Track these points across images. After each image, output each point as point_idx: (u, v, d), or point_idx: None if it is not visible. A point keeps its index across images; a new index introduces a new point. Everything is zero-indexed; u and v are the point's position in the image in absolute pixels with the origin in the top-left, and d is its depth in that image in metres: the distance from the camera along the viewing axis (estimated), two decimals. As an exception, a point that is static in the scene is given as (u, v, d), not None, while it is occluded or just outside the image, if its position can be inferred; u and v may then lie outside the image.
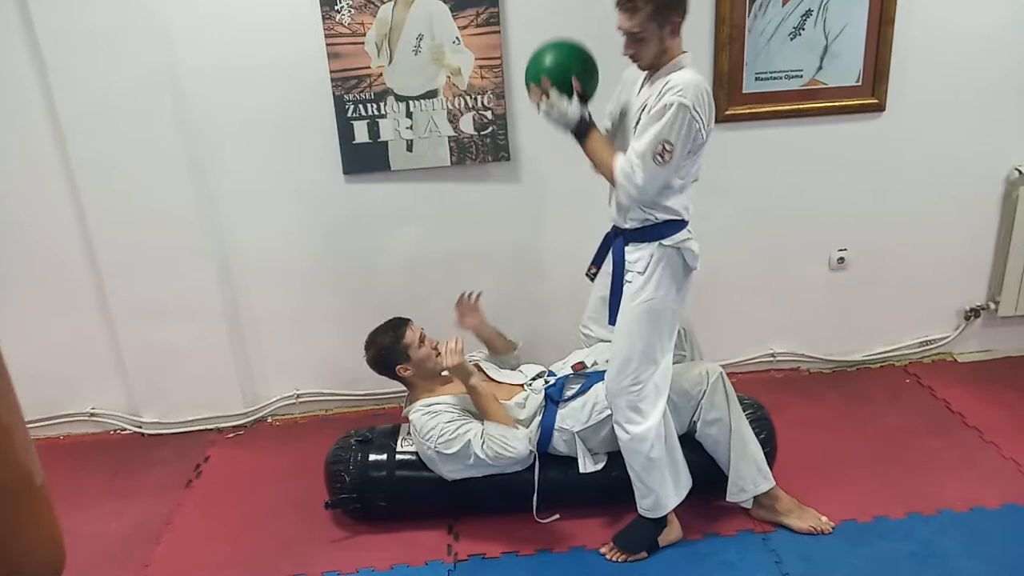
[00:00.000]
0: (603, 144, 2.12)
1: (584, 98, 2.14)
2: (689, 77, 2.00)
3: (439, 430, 2.35)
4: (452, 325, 2.73)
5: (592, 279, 2.38)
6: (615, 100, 2.31)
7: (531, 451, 2.35)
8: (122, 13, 2.63)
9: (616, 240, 2.26)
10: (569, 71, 2.11)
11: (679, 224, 2.17)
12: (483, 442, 2.31)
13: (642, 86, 2.15)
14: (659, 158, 2.00)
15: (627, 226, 2.21)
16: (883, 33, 2.86)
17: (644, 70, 2.13)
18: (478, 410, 2.40)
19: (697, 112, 1.98)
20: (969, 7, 2.88)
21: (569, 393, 2.48)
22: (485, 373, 2.62)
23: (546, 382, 2.55)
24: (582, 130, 2.12)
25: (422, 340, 2.52)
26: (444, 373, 2.55)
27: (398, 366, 2.51)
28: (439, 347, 2.48)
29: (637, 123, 2.09)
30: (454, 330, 2.65)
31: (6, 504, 0.72)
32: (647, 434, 2.21)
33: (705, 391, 2.32)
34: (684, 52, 2.09)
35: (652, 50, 2.05)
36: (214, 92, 2.80)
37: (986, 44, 2.93)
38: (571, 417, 2.43)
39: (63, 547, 0.79)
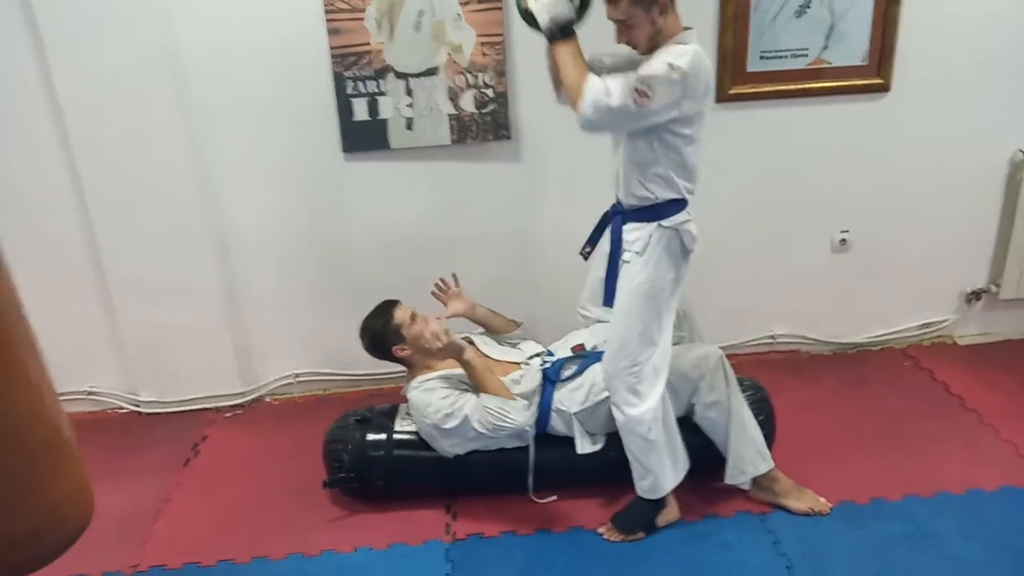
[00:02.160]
0: (579, 57, 2.03)
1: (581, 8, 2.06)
2: (690, 47, 1.98)
3: (435, 406, 2.36)
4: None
5: (586, 258, 2.37)
6: (614, 54, 2.23)
7: (530, 423, 2.34)
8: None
9: (614, 219, 2.24)
10: None
11: (679, 204, 2.15)
12: (479, 415, 2.30)
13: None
14: (636, 96, 1.93)
15: (628, 202, 2.19)
16: (890, 12, 2.82)
17: (644, 55, 2.10)
18: (474, 384, 2.40)
19: (689, 80, 1.94)
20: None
21: (567, 373, 2.47)
22: (480, 351, 2.62)
23: (544, 362, 2.54)
24: (566, 32, 2.01)
25: (413, 318, 2.51)
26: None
27: (394, 347, 2.50)
28: (424, 327, 2.45)
29: None
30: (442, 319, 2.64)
31: (40, 456, 0.75)
32: (644, 416, 2.21)
33: (705, 374, 2.31)
34: (687, 29, 2.06)
35: (644, 34, 2.02)
36: (212, 70, 2.77)
37: (993, 26, 2.90)
38: (569, 398, 2.42)
39: (92, 495, 0.82)
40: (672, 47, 2.00)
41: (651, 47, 2.05)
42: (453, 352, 2.37)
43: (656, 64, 1.95)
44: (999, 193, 3.15)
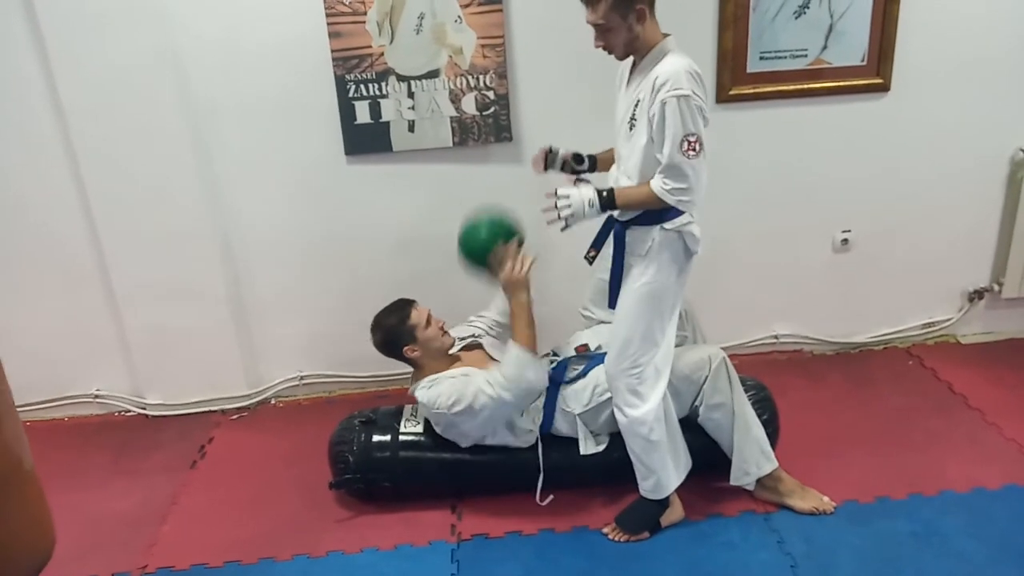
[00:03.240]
0: (632, 191, 2.12)
1: (577, 171, 2.28)
2: (676, 65, 1.99)
3: (447, 391, 2.35)
4: (454, 307, 2.71)
5: (591, 262, 2.38)
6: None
7: (545, 384, 2.38)
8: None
9: (617, 223, 2.25)
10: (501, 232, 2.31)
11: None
12: (498, 376, 2.30)
13: (629, 81, 2.15)
14: (691, 153, 1.99)
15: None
16: (888, 12, 2.83)
17: (621, 60, 2.12)
18: (513, 328, 2.39)
19: (697, 95, 1.98)
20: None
21: (571, 375, 2.48)
22: (487, 353, 2.63)
23: (550, 363, 2.55)
24: (609, 200, 2.12)
25: (428, 320, 2.51)
26: (451, 352, 2.56)
27: (405, 347, 2.50)
28: (433, 332, 2.48)
29: (631, 119, 2.10)
30: (466, 304, 2.71)
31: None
32: (646, 417, 2.22)
33: (707, 376, 2.32)
34: (666, 36, 2.08)
35: (621, 40, 2.05)
36: (216, 72, 2.78)
37: (992, 24, 2.90)
38: (573, 399, 2.43)
39: (53, 530, 0.79)
40: (657, 69, 2.01)
41: (627, 53, 2.09)
42: (522, 288, 2.37)
43: (663, 109, 1.97)
44: (1000, 192, 3.15)
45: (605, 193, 2.12)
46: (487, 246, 2.34)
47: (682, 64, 1.99)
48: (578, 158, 2.42)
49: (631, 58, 2.15)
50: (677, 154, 1.99)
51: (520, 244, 2.36)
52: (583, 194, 2.12)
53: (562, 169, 2.45)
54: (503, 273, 2.36)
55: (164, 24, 2.70)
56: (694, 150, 1.99)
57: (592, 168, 2.43)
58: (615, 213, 2.21)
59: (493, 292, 2.84)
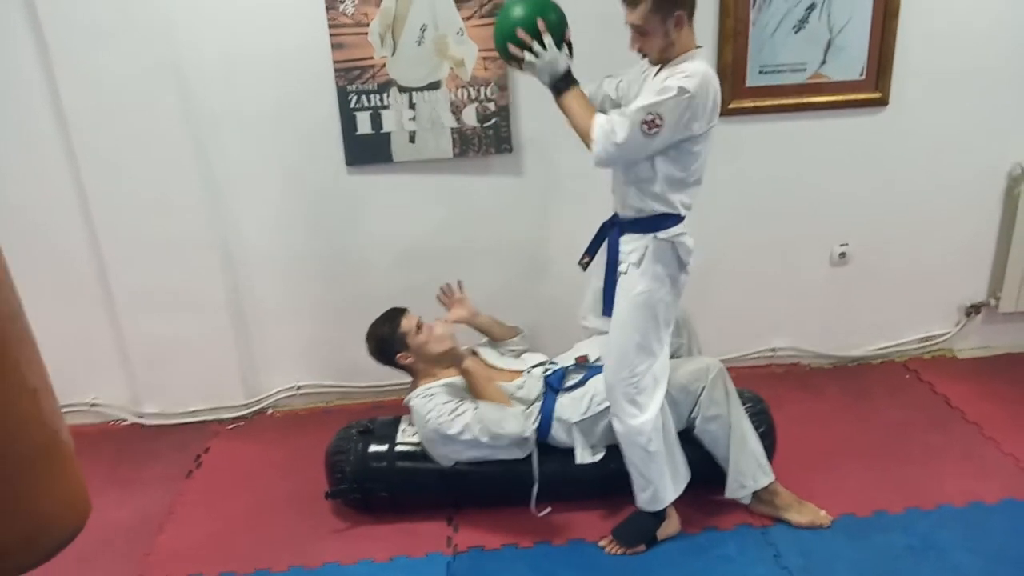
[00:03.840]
0: (583, 100, 2.09)
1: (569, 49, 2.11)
2: (700, 67, 2.00)
3: (436, 412, 2.38)
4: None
5: (584, 268, 2.39)
6: (621, 77, 2.29)
7: (527, 432, 2.35)
8: (126, 3, 2.63)
9: (612, 230, 2.26)
10: (548, 20, 2.04)
11: (675, 218, 2.17)
12: (479, 423, 2.32)
13: (650, 77, 2.15)
14: (645, 127, 1.97)
15: (625, 214, 2.21)
16: (887, 27, 2.85)
17: (654, 64, 2.12)
18: (472, 393, 2.43)
19: (697, 101, 1.97)
20: (971, 5, 2.87)
21: (570, 383, 2.48)
22: (483, 360, 2.63)
23: (547, 371, 2.55)
24: (567, 83, 2.08)
25: (419, 327, 2.53)
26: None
27: (398, 355, 2.53)
28: (429, 332, 2.51)
29: None
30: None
31: (37, 462, 0.76)
32: (644, 427, 2.22)
33: (704, 387, 2.32)
34: (698, 47, 2.09)
35: (657, 44, 2.04)
36: (218, 82, 2.80)
37: (989, 40, 2.92)
38: (570, 408, 2.43)
39: (88, 499, 0.83)
40: (680, 66, 2.02)
41: (661, 59, 2.08)
42: (454, 358, 2.41)
43: (663, 89, 1.97)
44: (997, 206, 3.16)
45: (570, 73, 2.07)
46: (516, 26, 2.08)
47: (706, 70, 2.00)
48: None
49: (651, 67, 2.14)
50: (637, 114, 1.97)
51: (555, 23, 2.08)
52: (559, 59, 2.05)
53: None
54: (428, 353, 2.47)
55: (167, 35, 2.71)
56: (649, 128, 1.97)
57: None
58: (619, 212, 2.22)
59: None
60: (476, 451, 2.39)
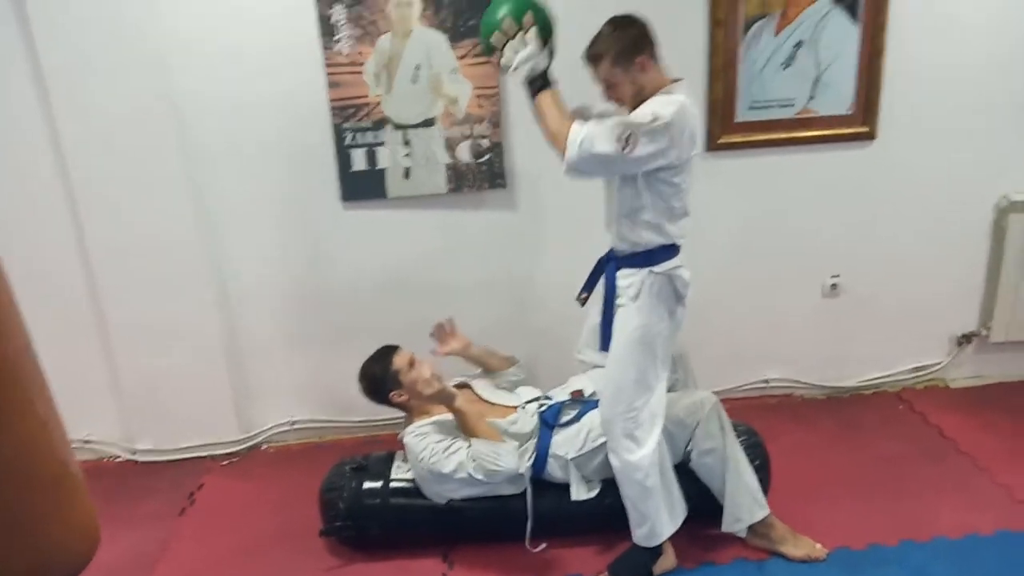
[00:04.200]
0: (560, 103, 2.08)
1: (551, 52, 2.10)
2: (676, 97, 2.04)
3: (430, 450, 2.38)
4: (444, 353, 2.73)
5: (583, 304, 2.40)
6: (603, 106, 2.31)
7: (522, 468, 2.36)
8: (125, 42, 2.67)
9: (608, 265, 2.28)
10: (537, 17, 2.03)
11: (671, 250, 2.19)
12: (473, 461, 2.32)
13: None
14: (621, 140, 1.98)
15: (620, 248, 2.24)
16: (873, 64, 2.91)
17: (632, 110, 2.16)
18: (463, 432, 2.43)
19: (673, 129, 1.99)
20: (957, 40, 2.93)
21: (565, 419, 2.49)
22: (477, 394, 2.64)
23: (541, 406, 2.56)
24: (545, 83, 2.07)
25: (412, 364, 2.54)
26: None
27: (391, 393, 2.52)
28: (417, 374, 2.50)
29: None
30: (436, 359, 2.66)
31: (47, 492, 0.76)
32: (642, 462, 2.22)
33: (700, 421, 2.33)
34: (676, 80, 2.13)
35: (628, 91, 2.11)
36: (214, 120, 2.83)
37: (974, 75, 2.98)
38: (566, 444, 2.43)
39: (98, 528, 0.83)
40: (659, 97, 2.07)
41: (637, 102, 2.11)
42: (443, 399, 2.41)
43: (641, 113, 2.02)
44: (986, 237, 3.21)
45: (540, 81, 2.06)
46: (500, 24, 2.08)
47: (683, 100, 2.04)
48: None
49: None
50: (615, 132, 1.97)
51: (544, 30, 2.09)
52: (538, 57, 2.03)
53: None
54: (421, 391, 2.45)
55: (165, 73, 2.75)
56: (623, 144, 1.97)
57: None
58: (616, 248, 2.25)
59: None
60: (471, 489, 2.39)
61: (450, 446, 2.38)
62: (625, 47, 2.05)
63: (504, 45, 2.05)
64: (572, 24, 2.16)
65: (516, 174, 2.97)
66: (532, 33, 2.02)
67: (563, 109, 2.08)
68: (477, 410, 2.49)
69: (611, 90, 2.12)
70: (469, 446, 2.37)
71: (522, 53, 2.03)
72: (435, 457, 2.36)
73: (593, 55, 2.09)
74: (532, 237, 3.07)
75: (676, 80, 2.14)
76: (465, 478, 2.34)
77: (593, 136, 1.99)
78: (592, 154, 1.99)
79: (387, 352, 2.58)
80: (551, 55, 2.09)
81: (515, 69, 2.05)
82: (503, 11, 2.04)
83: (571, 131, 2.01)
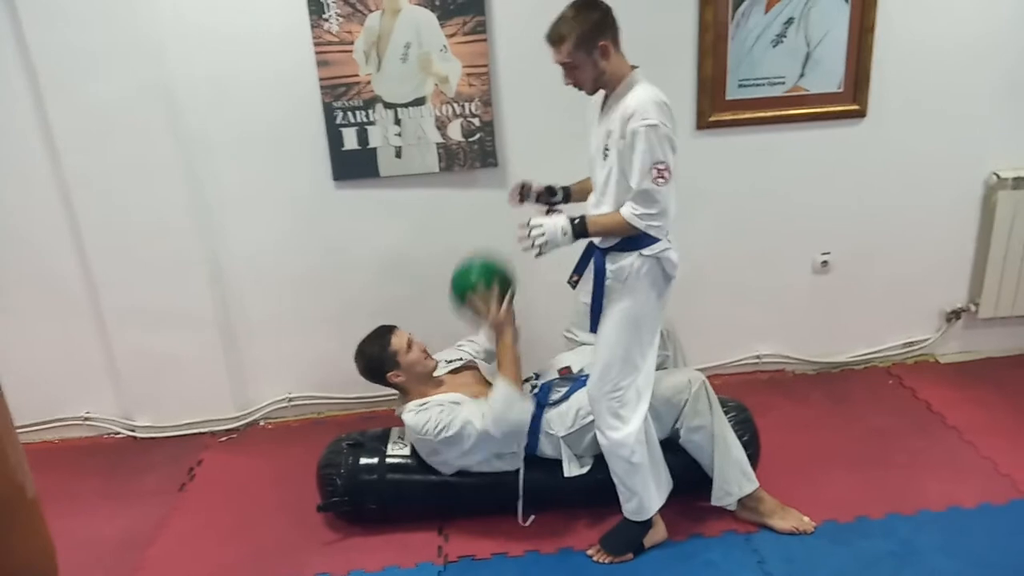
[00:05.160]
0: (604, 218, 2.18)
1: (551, 203, 2.39)
2: (644, 96, 2.05)
3: (434, 419, 2.40)
4: (440, 328, 2.74)
5: (574, 287, 2.43)
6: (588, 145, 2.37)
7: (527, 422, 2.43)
8: (114, 28, 2.66)
9: (597, 250, 2.30)
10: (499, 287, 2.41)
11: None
12: (486, 410, 2.37)
13: (601, 112, 2.21)
14: (660, 181, 2.04)
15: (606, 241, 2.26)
16: (864, 41, 2.90)
17: (591, 95, 2.19)
18: (501, 365, 2.47)
19: (665, 125, 2.04)
20: (946, 17, 2.93)
21: (555, 397, 2.52)
22: (482, 375, 2.67)
23: (533, 387, 2.59)
24: (582, 227, 2.17)
25: (409, 345, 2.56)
26: (436, 375, 2.60)
27: (388, 373, 2.55)
28: (415, 355, 2.55)
29: (604, 149, 2.16)
30: (452, 326, 2.70)
31: (1, 517, 0.75)
32: (627, 439, 2.26)
33: (688, 399, 2.36)
34: (634, 68, 2.15)
35: (589, 75, 2.12)
36: (206, 102, 2.83)
37: (964, 53, 2.98)
38: (557, 422, 2.47)
39: (55, 558, 0.82)
40: (626, 99, 2.08)
41: (596, 88, 2.16)
42: (506, 329, 2.45)
43: (637, 139, 2.03)
44: (975, 214, 3.22)
45: (577, 221, 2.17)
46: (474, 289, 2.43)
47: (650, 95, 2.05)
48: (551, 190, 2.49)
49: (602, 92, 2.21)
50: (647, 181, 2.04)
51: (509, 292, 2.47)
52: (556, 223, 2.17)
53: (537, 200, 2.50)
54: (487, 316, 2.45)
55: (155, 57, 2.74)
56: (663, 177, 2.04)
57: (566, 199, 2.50)
58: (595, 240, 2.26)
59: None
60: (476, 454, 2.43)
61: (451, 412, 2.41)
62: (587, 30, 2.05)
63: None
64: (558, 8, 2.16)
65: (507, 153, 2.98)
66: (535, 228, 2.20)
67: (608, 217, 2.18)
68: (477, 391, 2.52)
69: (571, 73, 2.13)
70: (479, 403, 2.41)
71: (548, 244, 2.19)
72: (440, 424, 2.39)
73: (555, 37, 2.10)
74: (522, 215, 3.06)
75: (634, 67, 2.15)
76: (471, 436, 2.37)
77: (642, 207, 2.08)
78: (654, 214, 2.09)
79: (384, 332, 2.60)
80: (565, 235, 2.19)
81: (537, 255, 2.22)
82: (472, 286, 2.43)
83: (627, 221, 2.11)
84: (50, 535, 0.84)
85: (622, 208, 2.12)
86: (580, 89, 2.18)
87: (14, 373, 2.95)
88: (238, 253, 3.05)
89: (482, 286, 2.41)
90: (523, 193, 2.49)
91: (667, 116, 2.05)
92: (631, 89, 2.09)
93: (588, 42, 2.06)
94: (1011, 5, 2.93)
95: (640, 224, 2.10)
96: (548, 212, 2.37)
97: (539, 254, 2.21)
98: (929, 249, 3.25)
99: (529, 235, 2.19)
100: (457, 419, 2.38)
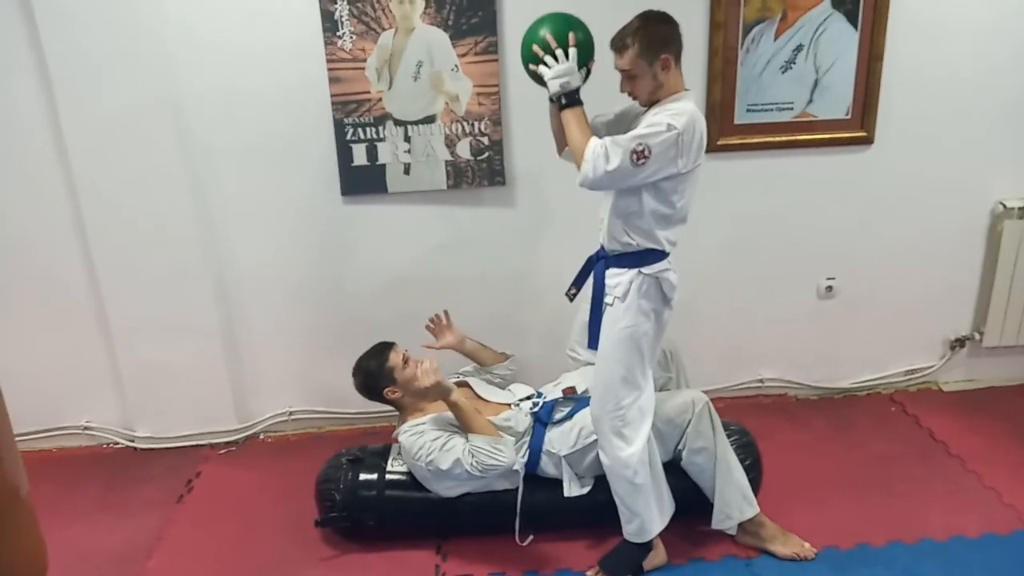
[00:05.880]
0: (584, 121, 2.14)
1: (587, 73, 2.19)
2: (687, 107, 2.08)
3: (427, 448, 2.39)
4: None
5: (571, 299, 2.43)
6: (608, 115, 2.37)
7: (518, 465, 2.39)
8: (127, 38, 2.69)
9: (597, 263, 2.31)
10: (578, 38, 2.11)
11: (659, 254, 2.22)
12: (471, 456, 2.33)
13: (642, 115, 2.21)
14: (634, 156, 2.03)
15: (611, 247, 2.26)
16: (872, 68, 2.92)
17: (644, 106, 2.20)
18: (461, 426, 2.44)
19: (683, 138, 2.04)
20: (954, 46, 2.95)
21: (558, 416, 2.52)
22: (473, 390, 2.67)
23: (535, 404, 2.58)
24: (573, 101, 2.13)
25: (406, 361, 2.56)
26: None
27: (385, 389, 2.55)
28: (416, 367, 2.51)
29: None
30: (428, 352, 2.68)
31: None
32: (630, 460, 2.25)
33: (691, 420, 2.36)
34: (687, 89, 2.17)
35: (647, 86, 2.13)
36: (216, 115, 2.85)
37: (971, 81, 3.00)
38: (559, 441, 2.46)
39: (46, 557, 0.83)
40: (669, 105, 2.10)
41: (651, 100, 2.16)
42: (441, 392, 2.41)
43: (653, 124, 2.05)
44: (981, 243, 3.23)
45: (570, 98, 2.12)
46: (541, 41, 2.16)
47: (693, 110, 2.08)
48: None
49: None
50: (629, 142, 2.03)
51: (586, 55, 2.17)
52: (575, 74, 2.11)
53: None
54: (415, 387, 2.45)
55: (167, 68, 2.77)
56: (636, 159, 2.03)
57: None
58: (602, 250, 2.28)
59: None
60: (468, 484, 2.42)
61: (446, 442, 2.39)
62: (654, 41, 2.08)
63: (542, 60, 2.12)
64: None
65: (515, 172, 3.00)
66: (573, 53, 2.09)
67: (585, 126, 2.13)
68: (473, 405, 2.51)
69: (630, 82, 2.14)
70: (466, 441, 2.39)
71: (557, 68, 2.09)
72: (432, 455, 2.37)
73: (620, 44, 2.11)
74: (530, 235, 3.10)
75: (687, 90, 2.17)
76: (462, 474, 2.36)
77: (607, 153, 2.04)
78: (606, 170, 2.04)
79: (382, 348, 2.60)
80: (586, 76, 2.16)
81: (549, 80, 2.12)
82: (547, 27, 2.13)
83: (589, 147, 2.06)
84: (42, 538, 0.85)
85: (595, 138, 2.07)
86: (635, 99, 2.19)
87: (15, 380, 2.94)
88: (244, 265, 3.06)
89: (551, 37, 2.10)
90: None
91: (692, 136, 2.06)
92: (678, 101, 2.11)
93: (651, 53, 2.07)
94: (1018, 36, 2.95)
95: (588, 156, 2.04)
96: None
97: (536, 64, 2.14)
98: (934, 276, 3.26)
99: (553, 53, 2.10)
100: (450, 454, 2.36)
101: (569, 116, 2.13)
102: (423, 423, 2.49)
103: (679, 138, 2.03)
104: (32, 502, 0.83)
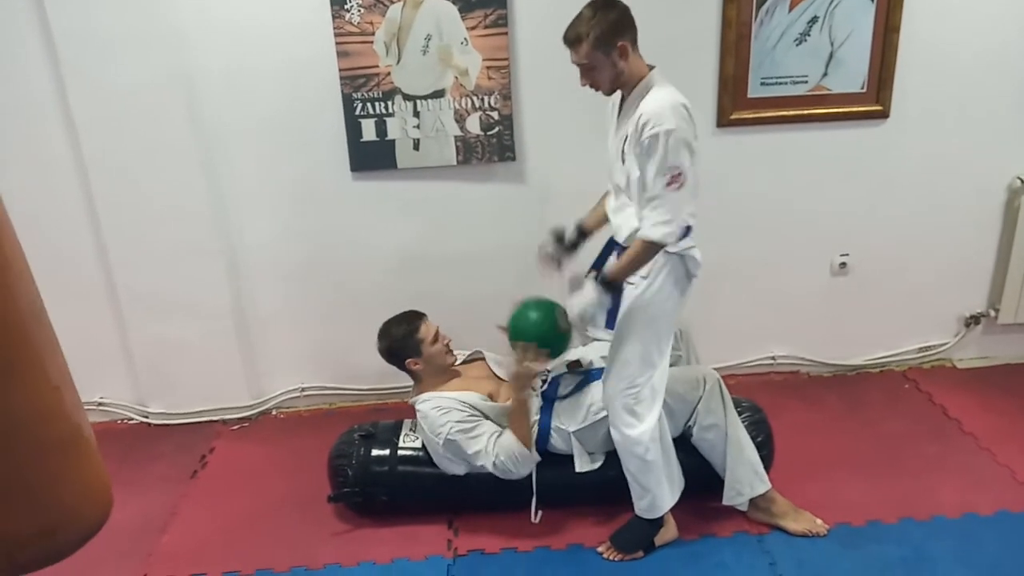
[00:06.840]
0: (624, 261, 2.14)
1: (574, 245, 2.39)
2: (660, 101, 2.02)
3: (452, 428, 2.38)
4: (453, 325, 2.73)
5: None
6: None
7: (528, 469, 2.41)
8: (136, 15, 2.67)
9: (618, 245, 2.28)
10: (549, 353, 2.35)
11: (684, 231, 2.19)
12: (495, 454, 2.34)
13: (619, 113, 2.18)
14: (674, 186, 2.00)
15: (629, 242, 2.23)
16: (888, 41, 2.87)
17: (608, 95, 2.16)
18: (510, 423, 2.39)
19: (682, 128, 1.99)
20: (972, 20, 2.89)
21: (565, 391, 2.51)
22: (490, 368, 2.66)
23: (543, 382, 2.58)
24: (617, 286, 2.18)
25: (436, 336, 2.55)
26: (454, 367, 2.60)
27: (408, 359, 2.54)
28: (438, 348, 2.52)
29: (622, 152, 2.13)
30: (465, 323, 2.68)
31: (58, 455, 0.78)
32: (642, 437, 2.24)
33: (701, 397, 2.35)
34: (651, 68, 2.11)
35: (607, 77, 2.08)
36: (225, 91, 2.83)
37: (988, 55, 2.94)
38: (568, 417, 2.46)
39: (110, 492, 0.85)
40: (641, 104, 2.04)
41: (613, 88, 2.12)
42: (524, 382, 2.38)
43: (650, 149, 2.00)
44: (997, 219, 3.18)
45: (601, 279, 2.15)
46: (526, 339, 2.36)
47: (667, 98, 2.02)
48: (562, 241, 2.45)
49: (618, 93, 2.17)
50: (660, 187, 2.01)
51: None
52: (586, 298, 2.15)
53: (564, 251, 2.46)
54: (515, 363, 2.39)
55: (176, 45, 2.75)
56: (677, 182, 2.00)
57: (584, 234, 2.44)
58: (618, 238, 2.25)
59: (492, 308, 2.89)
60: (476, 469, 2.43)
61: (473, 428, 2.38)
62: (606, 30, 2.01)
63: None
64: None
65: (525, 147, 2.97)
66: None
67: (631, 254, 2.12)
68: (488, 386, 2.51)
69: (588, 74, 2.09)
70: (494, 435, 2.38)
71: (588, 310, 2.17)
72: (456, 437, 2.37)
73: (572, 37, 2.06)
74: (540, 210, 3.07)
75: (651, 67, 2.12)
76: (478, 463, 2.37)
77: (656, 217, 2.04)
78: (668, 222, 2.03)
79: (414, 317, 2.58)
80: (603, 296, 2.19)
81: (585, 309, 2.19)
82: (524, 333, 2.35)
83: (648, 237, 2.06)
84: (106, 473, 0.88)
85: (638, 232, 2.09)
86: (597, 90, 2.14)
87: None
88: (254, 241, 3.06)
89: (533, 346, 2.33)
90: (555, 256, 2.48)
91: (684, 119, 2.01)
92: (648, 91, 2.06)
93: (606, 43, 2.02)
94: (1038, 9, 2.90)
95: (657, 234, 2.04)
96: (569, 283, 2.32)
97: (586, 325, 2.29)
98: (949, 253, 3.22)
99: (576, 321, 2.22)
100: (473, 444, 2.36)
101: (627, 266, 2.14)
102: (450, 398, 2.46)
103: (677, 132, 1.98)
104: (95, 442, 0.86)
